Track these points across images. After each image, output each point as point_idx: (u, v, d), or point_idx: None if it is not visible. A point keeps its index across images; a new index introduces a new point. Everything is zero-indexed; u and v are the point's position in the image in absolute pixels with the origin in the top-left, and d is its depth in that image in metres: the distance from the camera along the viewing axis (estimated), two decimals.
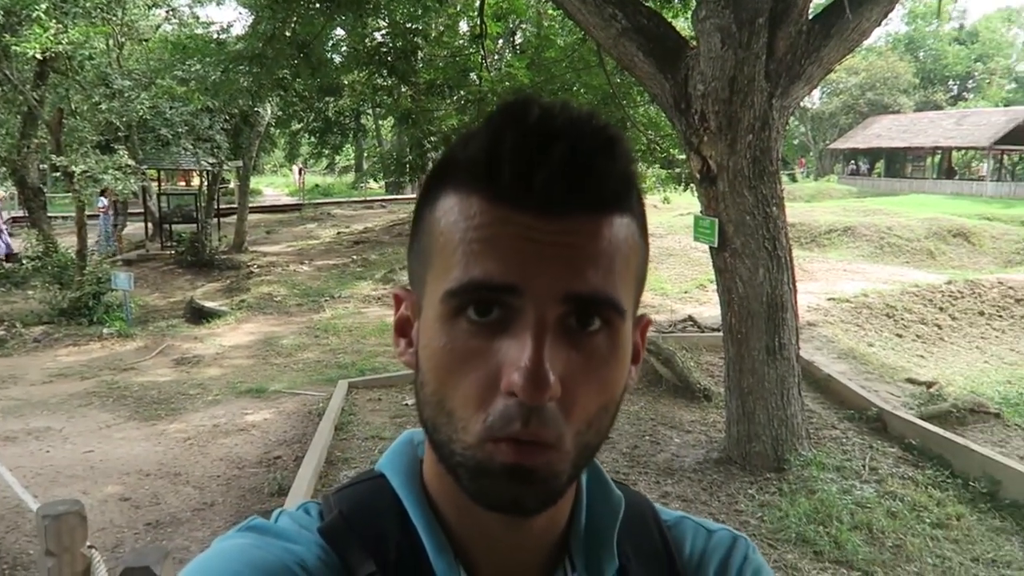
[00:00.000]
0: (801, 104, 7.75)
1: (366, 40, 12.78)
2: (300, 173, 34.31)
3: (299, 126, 25.45)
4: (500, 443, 0.51)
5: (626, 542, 0.64)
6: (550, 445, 0.51)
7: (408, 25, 12.45)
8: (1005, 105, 40.77)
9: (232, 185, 25.46)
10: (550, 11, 12.23)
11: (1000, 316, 10.36)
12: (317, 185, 35.09)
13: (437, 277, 0.54)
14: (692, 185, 9.37)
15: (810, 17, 4.88)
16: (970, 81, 53.20)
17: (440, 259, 0.54)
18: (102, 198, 15.48)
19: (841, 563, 4.05)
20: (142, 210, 19.11)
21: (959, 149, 34.98)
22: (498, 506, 0.53)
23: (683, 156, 9.25)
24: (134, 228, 19.81)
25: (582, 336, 0.53)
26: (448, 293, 0.52)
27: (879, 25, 5.02)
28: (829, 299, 10.23)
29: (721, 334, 5.57)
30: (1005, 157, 34.29)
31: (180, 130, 15.27)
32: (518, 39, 13.68)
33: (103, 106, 13.04)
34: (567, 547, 0.63)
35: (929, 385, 7.20)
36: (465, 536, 0.60)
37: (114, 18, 13.89)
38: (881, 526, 4.40)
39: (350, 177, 36.03)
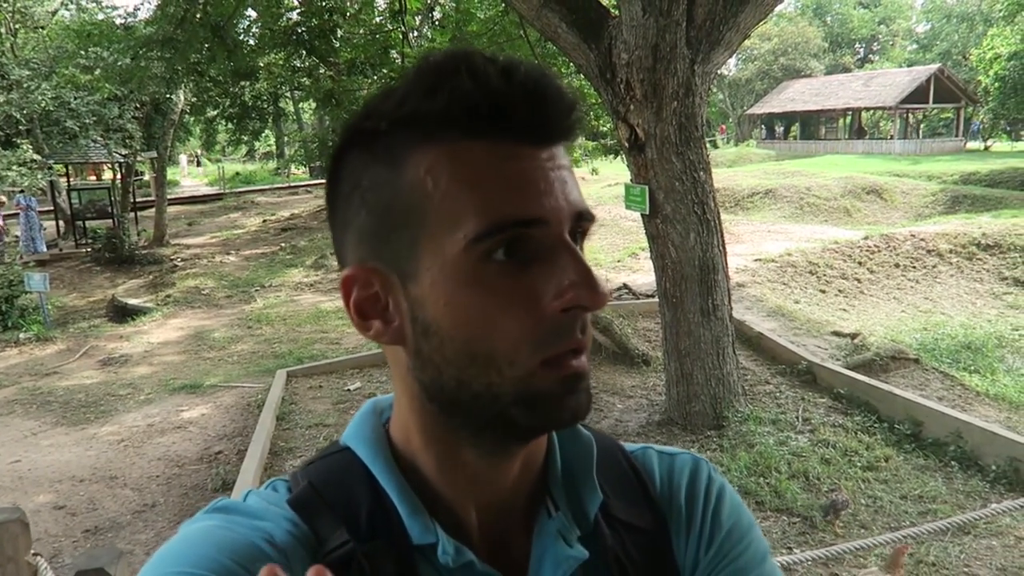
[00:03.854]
0: (719, 71, 7.92)
1: (281, 21, 12.37)
2: (198, 163, 32.94)
3: (215, 113, 24.53)
4: (560, 360, 0.55)
5: (601, 478, 0.66)
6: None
7: (323, 3, 12.10)
8: (908, 65, 42.44)
9: (148, 177, 24.45)
10: None
11: (914, 267, 10.89)
12: (238, 173, 33.87)
13: (443, 233, 0.53)
14: (620, 155, 9.48)
15: None
16: (875, 44, 55.23)
17: (441, 215, 0.53)
18: (19, 196, 14.59)
19: (782, 511, 4.23)
20: (51, 208, 18.14)
21: (868, 109, 36.38)
22: (557, 422, 0.57)
23: (609, 127, 9.34)
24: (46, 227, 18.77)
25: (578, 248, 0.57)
26: (475, 239, 0.52)
27: None
28: (756, 260, 10.56)
29: (656, 299, 5.68)
30: (910, 116, 35.84)
31: (88, 121, 14.52)
32: (437, 15, 13.46)
33: (0, 99, 12.31)
34: (546, 490, 0.64)
35: (853, 336, 7.53)
36: (446, 492, 0.61)
37: (4, 4, 13.08)
38: (817, 473, 4.61)
39: (273, 164, 34.97)
